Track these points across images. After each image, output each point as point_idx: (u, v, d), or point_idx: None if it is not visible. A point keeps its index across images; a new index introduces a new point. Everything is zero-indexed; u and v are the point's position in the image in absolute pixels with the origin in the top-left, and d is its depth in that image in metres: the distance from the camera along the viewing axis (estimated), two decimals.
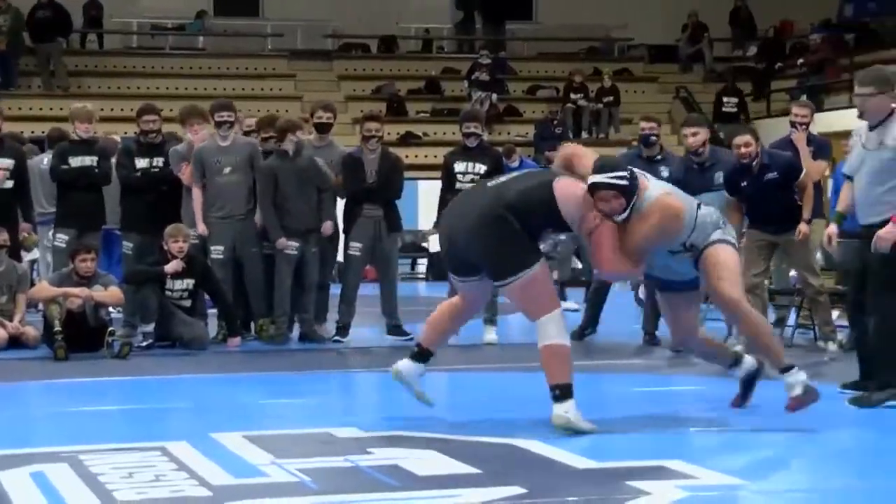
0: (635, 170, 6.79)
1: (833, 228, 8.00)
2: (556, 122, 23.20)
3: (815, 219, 10.16)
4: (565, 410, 6.54)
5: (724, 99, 23.54)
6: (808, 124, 10.99)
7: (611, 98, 24.00)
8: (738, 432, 6.77)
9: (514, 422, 7.00)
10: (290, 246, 10.60)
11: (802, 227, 10.10)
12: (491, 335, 10.86)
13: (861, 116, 7.66)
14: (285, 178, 10.58)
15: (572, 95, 24.03)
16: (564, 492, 5.35)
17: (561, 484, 5.52)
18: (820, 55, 23.34)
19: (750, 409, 7.21)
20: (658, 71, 26.46)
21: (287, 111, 19.49)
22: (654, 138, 10.84)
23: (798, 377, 6.79)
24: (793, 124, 11.04)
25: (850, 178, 7.79)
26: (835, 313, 10.64)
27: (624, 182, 6.58)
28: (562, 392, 6.56)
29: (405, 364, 7.06)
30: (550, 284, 6.80)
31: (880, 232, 7.28)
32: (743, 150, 9.95)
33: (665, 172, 10.48)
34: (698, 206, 6.92)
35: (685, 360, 9.38)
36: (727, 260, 6.83)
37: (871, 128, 7.56)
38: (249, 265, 10.81)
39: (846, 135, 11.28)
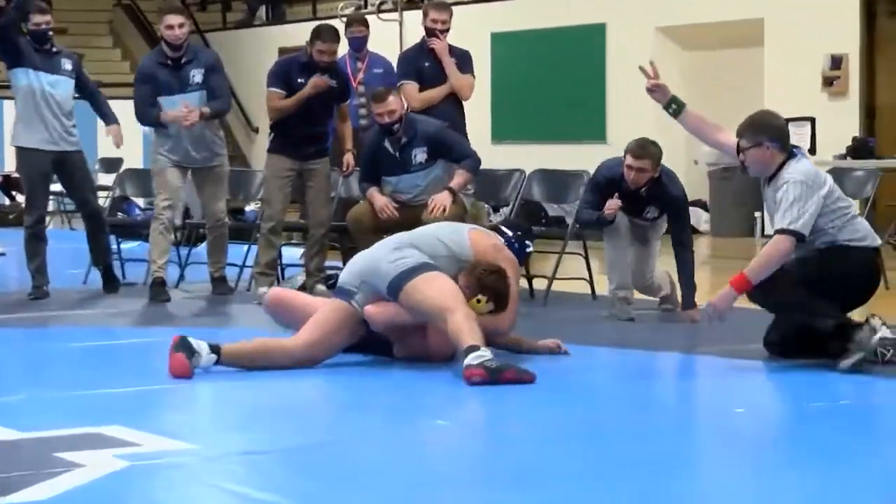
0: None
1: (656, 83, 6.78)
2: None
3: None
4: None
5: None
6: (447, 31, 9.77)
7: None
8: (173, 390, 6.01)
9: None
10: None
11: (348, 157, 9.50)
12: None
13: (745, 172, 6.65)
14: None
15: None
16: None
17: None
18: None
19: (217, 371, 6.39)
20: None
21: None
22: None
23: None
24: (430, 32, 9.73)
25: None
26: None
27: None
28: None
29: None
30: None
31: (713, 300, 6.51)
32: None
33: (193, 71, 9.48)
34: None
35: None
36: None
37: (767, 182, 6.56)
38: None
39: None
